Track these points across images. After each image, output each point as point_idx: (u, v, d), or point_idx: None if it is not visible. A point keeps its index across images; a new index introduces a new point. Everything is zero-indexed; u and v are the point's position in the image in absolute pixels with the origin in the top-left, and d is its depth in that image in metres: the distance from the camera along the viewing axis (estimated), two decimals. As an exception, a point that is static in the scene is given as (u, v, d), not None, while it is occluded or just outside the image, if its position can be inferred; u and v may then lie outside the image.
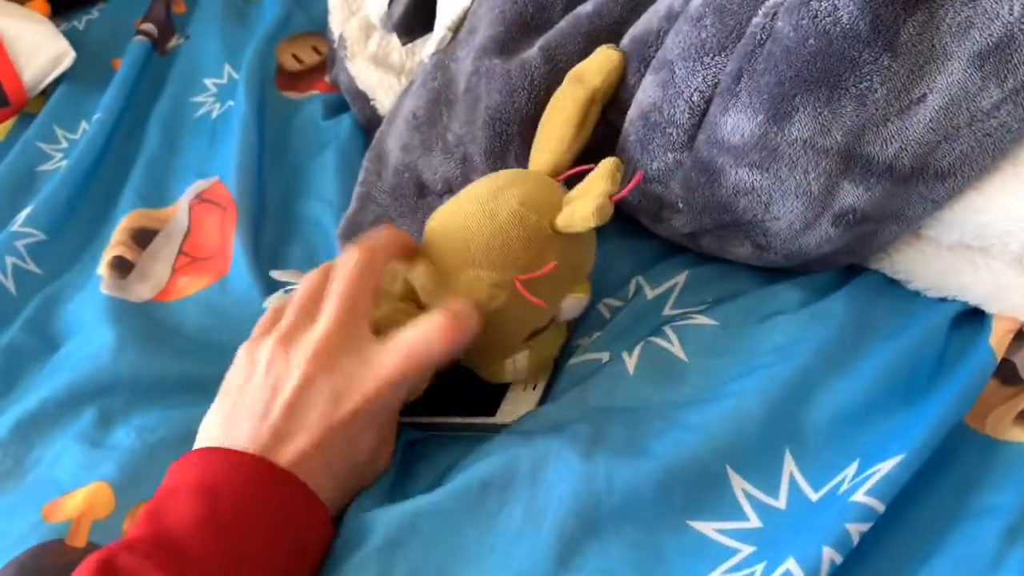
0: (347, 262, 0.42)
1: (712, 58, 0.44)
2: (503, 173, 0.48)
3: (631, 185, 0.43)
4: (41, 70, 0.87)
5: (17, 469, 0.49)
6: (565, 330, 0.50)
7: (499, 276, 0.43)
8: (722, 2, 0.44)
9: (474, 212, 0.44)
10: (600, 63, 0.49)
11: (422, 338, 0.41)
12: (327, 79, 0.81)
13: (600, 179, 0.43)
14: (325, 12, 0.89)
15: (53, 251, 0.67)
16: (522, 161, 0.53)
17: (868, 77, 0.39)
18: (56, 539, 0.44)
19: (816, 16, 0.39)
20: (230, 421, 0.40)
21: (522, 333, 0.46)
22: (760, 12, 0.42)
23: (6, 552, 0.44)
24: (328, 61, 0.82)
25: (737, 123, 0.43)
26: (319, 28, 0.89)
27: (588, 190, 0.43)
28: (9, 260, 0.64)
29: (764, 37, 0.41)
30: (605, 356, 0.48)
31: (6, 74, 0.85)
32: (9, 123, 0.85)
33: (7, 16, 0.90)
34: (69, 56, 0.88)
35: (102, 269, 0.63)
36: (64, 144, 0.82)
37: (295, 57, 0.85)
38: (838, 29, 0.38)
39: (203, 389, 0.51)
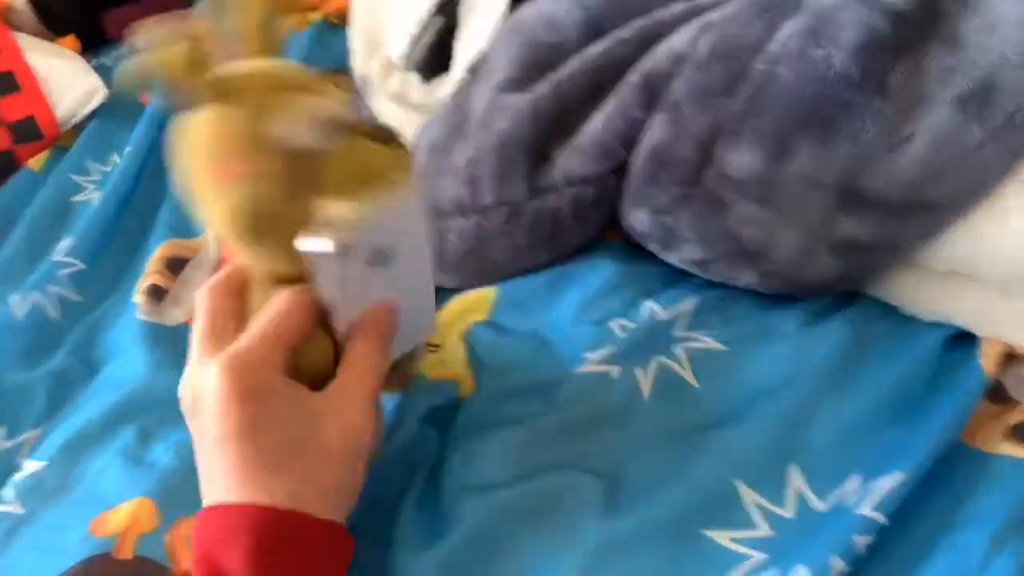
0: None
1: (718, 100, 0.48)
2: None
3: None
4: (74, 105, 0.91)
5: (64, 485, 0.52)
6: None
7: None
8: (727, 49, 0.47)
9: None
10: None
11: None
12: (348, 115, 0.85)
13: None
14: (346, 52, 0.93)
15: (92, 280, 0.71)
16: (526, 183, 0.57)
17: (860, 118, 0.42)
18: (104, 552, 0.46)
19: (813, 63, 0.43)
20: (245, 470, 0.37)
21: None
22: (762, 58, 0.45)
23: (57, 566, 0.46)
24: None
25: (741, 160, 0.46)
26: (342, 65, 0.93)
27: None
28: (53, 290, 0.68)
29: (766, 81, 0.45)
30: (616, 371, 0.51)
31: (40, 109, 0.90)
32: (43, 156, 0.88)
33: (40, 53, 0.94)
34: (101, 92, 0.92)
35: (137, 297, 0.66)
36: (96, 176, 0.85)
37: (317, 94, 0.89)
38: (832, 74, 0.42)
39: None
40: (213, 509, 0.37)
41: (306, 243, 0.37)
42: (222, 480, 0.37)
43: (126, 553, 0.46)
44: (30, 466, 0.54)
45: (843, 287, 0.53)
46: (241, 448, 0.36)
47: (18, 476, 0.54)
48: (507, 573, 0.42)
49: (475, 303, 0.60)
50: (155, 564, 0.46)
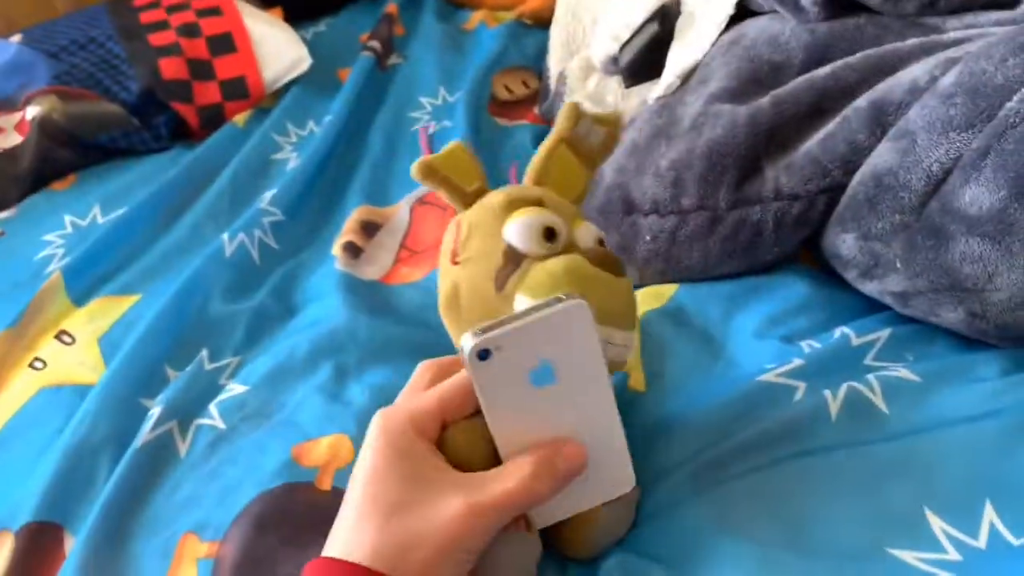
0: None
1: (959, 133, 0.47)
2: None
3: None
4: (280, 71, 0.98)
5: (264, 410, 0.56)
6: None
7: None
8: (976, 84, 0.47)
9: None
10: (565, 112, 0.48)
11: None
12: (536, 111, 0.89)
13: None
14: (537, 49, 0.97)
15: (290, 231, 0.76)
16: (732, 191, 0.58)
17: (1121, 168, 0.42)
18: (306, 481, 0.50)
19: (1077, 107, 0.42)
20: (361, 511, 0.37)
21: None
22: (1015, 98, 0.45)
23: (260, 482, 0.50)
24: (540, 94, 0.89)
25: (977, 195, 0.46)
26: (530, 63, 0.96)
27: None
28: (257, 233, 0.73)
29: (1018, 120, 0.45)
30: (801, 388, 0.51)
31: (251, 70, 0.96)
32: (247, 114, 0.95)
33: (256, 20, 1.01)
34: (306, 62, 0.98)
35: (336, 250, 0.71)
36: (294, 138, 0.91)
37: (507, 88, 0.93)
38: (1098, 121, 0.41)
39: (424, 352, 0.57)
40: (316, 562, 0.37)
41: (465, 337, 0.37)
42: (341, 518, 0.38)
43: (326, 484, 0.50)
44: (233, 388, 0.58)
45: (1054, 341, 0.51)
46: (365, 487, 0.37)
47: (222, 396, 0.58)
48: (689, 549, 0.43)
49: (654, 292, 0.62)
50: None
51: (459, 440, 0.40)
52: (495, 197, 0.44)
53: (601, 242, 0.44)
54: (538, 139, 0.85)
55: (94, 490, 0.54)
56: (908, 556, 0.42)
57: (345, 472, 0.51)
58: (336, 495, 0.49)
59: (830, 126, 0.56)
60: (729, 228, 0.58)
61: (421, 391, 0.42)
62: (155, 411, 0.57)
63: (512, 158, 0.83)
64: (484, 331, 0.36)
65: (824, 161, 0.55)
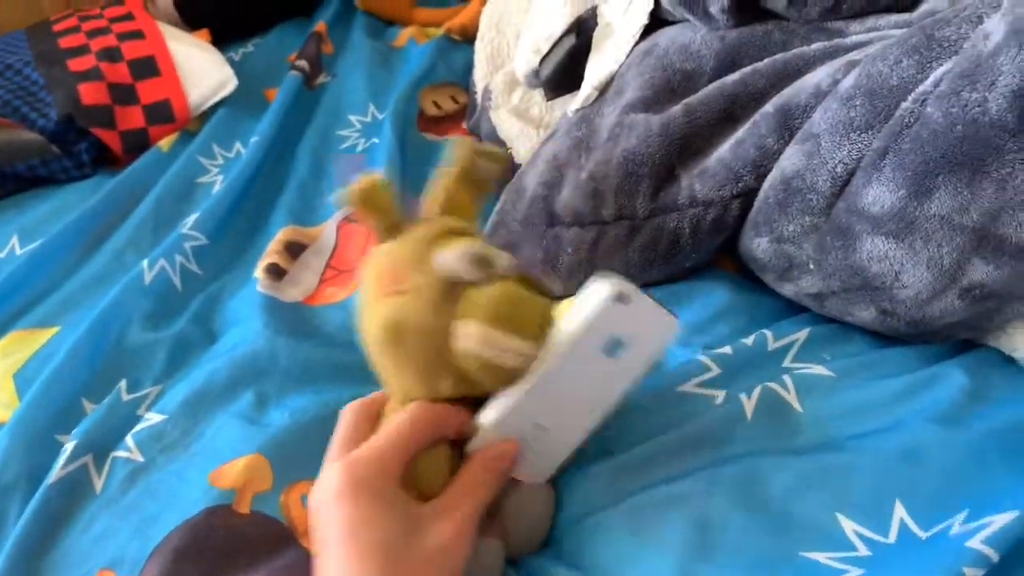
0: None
1: (859, 135, 0.48)
2: None
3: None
4: (205, 93, 0.96)
5: (183, 440, 0.55)
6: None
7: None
8: (873, 86, 0.48)
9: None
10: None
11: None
12: (465, 126, 0.88)
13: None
14: (465, 64, 0.97)
15: (213, 255, 0.74)
16: (649, 200, 0.58)
17: (1011, 164, 0.43)
18: (225, 504, 0.49)
19: (966, 106, 0.43)
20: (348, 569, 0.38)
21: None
22: (910, 98, 0.46)
23: (182, 510, 0.49)
24: (468, 110, 0.89)
25: (879, 195, 0.47)
26: (458, 79, 0.96)
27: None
28: (178, 259, 0.71)
29: (912, 120, 0.46)
30: (720, 395, 0.52)
31: (175, 94, 0.95)
32: (172, 138, 0.93)
33: (180, 42, 1.00)
34: (232, 83, 0.97)
35: (258, 272, 0.69)
36: (220, 161, 0.90)
37: (436, 104, 0.92)
38: (986, 119, 0.42)
39: (348, 375, 0.57)
40: None
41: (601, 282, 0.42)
42: None
43: (244, 508, 0.48)
44: (151, 418, 0.57)
45: (964, 334, 0.52)
46: (346, 545, 0.37)
47: (139, 427, 0.56)
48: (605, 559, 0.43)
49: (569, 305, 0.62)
50: (273, 520, 0.48)
51: (427, 471, 0.42)
52: (423, 229, 0.45)
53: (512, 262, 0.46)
54: (466, 154, 0.85)
55: (7, 531, 0.52)
56: (821, 556, 0.42)
57: (264, 497, 0.49)
58: (258, 518, 0.48)
59: (740, 132, 0.56)
60: (647, 237, 0.59)
61: (361, 434, 0.43)
62: (69, 446, 0.55)
63: (440, 173, 0.82)
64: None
65: (736, 167, 0.55)
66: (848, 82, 0.50)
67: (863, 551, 0.41)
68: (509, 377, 0.42)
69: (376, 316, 0.44)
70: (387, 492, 0.39)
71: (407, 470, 0.41)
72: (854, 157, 0.49)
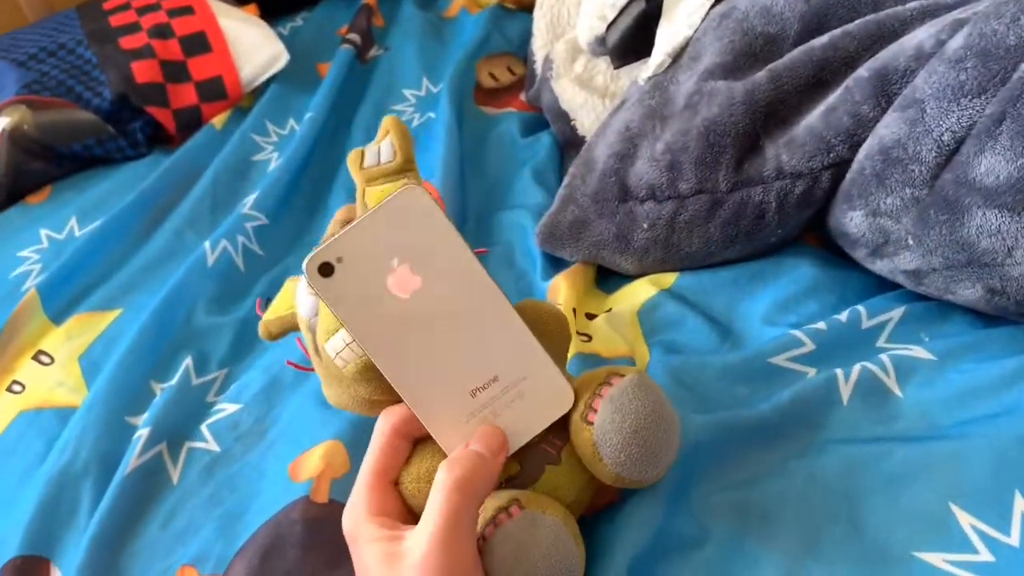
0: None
1: (970, 100, 0.45)
2: None
3: None
4: (257, 69, 0.95)
5: (258, 428, 0.54)
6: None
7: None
8: (987, 46, 0.45)
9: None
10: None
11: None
12: (522, 97, 0.86)
13: None
14: (521, 33, 0.94)
15: (274, 235, 0.73)
16: (731, 172, 0.55)
17: None
18: (303, 496, 0.47)
19: (1098, 65, 0.39)
20: None
21: None
22: (1031, 58, 0.43)
23: (265, 507, 0.48)
24: (526, 80, 0.86)
25: (993, 165, 0.44)
26: (515, 49, 0.93)
27: None
28: (240, 240, 0.70)
29: (1035, 82, 0.42)
30: (812, 372, 0.49)
31: (227, 70, 0.93)
32: (225, 115, 0.92)
33: (230, 17, 0.98)
34: (283, 58, 0.95)
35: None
36: (274, 138, 0.88)
37: (492, 75, 0.90)
38: (1122, 79, 0.39)
39: None
40: None
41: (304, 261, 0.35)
42: None
43: (322, 496, 0.47)
44: (226, 407, 0.56)
45: (1078, 313, 0.49)
46: None
47: (214, 417, 0.55)
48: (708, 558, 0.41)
49: (654, 279, 0.59)
50: None
51: (410, 489, 0.38)
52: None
53: None
54: (526, 127, 0.82)
55: (80, 520, 0.52)
56: (937, 559, 0.39)
57: (342, 482, 0.48)
58: (335, 508, 0.47)
59: (831, 99, 0.53)
60: (730, 211, 0.56)
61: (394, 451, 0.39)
62: (142, 433, 0.54)
63: (499, 146, 0.80)
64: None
65: (827, 136, 0.52)
66: (957, 42, 0.46)
67: (984, 555, 0.39)
68: None
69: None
70: (362, 533, 0.36)
71: (398, 493, 0.38)
72: (964, 124, 0.45)
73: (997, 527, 0.40)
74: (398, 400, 0.38)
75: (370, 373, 0.37)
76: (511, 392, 0.37)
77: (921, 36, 0.50)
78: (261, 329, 0.44)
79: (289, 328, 0.43)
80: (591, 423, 0.37)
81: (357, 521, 0.37)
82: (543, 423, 0.38)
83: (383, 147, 0.43)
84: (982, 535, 0.40)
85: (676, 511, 0.43)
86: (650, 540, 0.41)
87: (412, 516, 0.37)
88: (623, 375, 0.38)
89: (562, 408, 0.38)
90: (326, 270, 0.34)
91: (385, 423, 0.38)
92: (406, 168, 0.43)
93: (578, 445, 0.38)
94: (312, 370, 0.43)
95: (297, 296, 0.43)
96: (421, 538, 0.34)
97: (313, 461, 0.49)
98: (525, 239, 0.67)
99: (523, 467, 0.39)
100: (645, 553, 0.40)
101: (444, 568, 0.33)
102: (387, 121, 0.44)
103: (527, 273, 0.65)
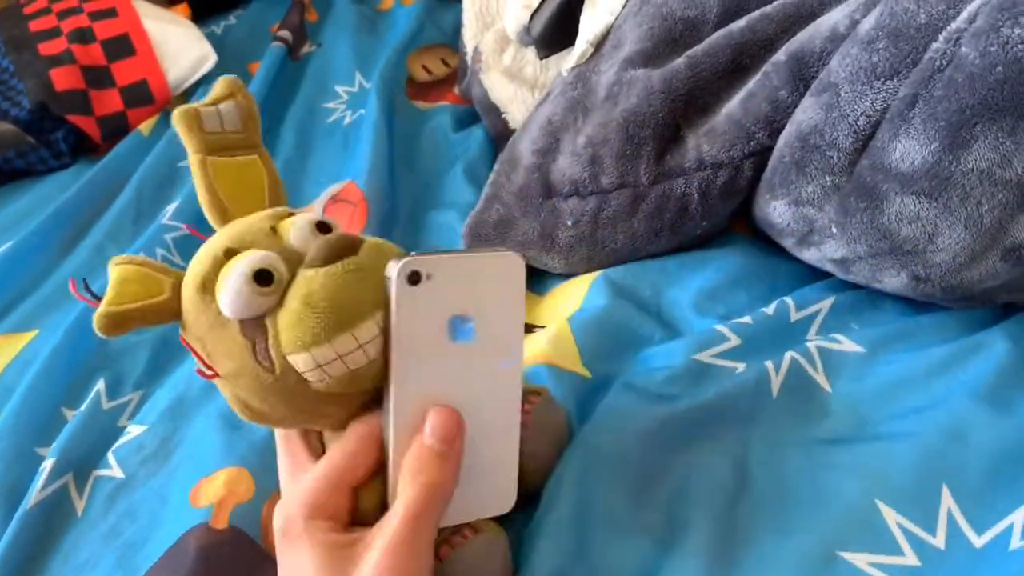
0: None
1: (883, 82, 0.43)
2: None
3: None
4: (185, 71, 0.92)
5: (163, 450, 0.51)
6: None
7: None
8: (898, 26, 0.43)
9: None
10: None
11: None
12: (456, 91, 0.83)
13: None
14: (455, 24, 0.91)
15: (196, 245, 0.69)
16: (653, 165, 0.53)
17: (1060, 107, 0.37)
18: (202, 523, 0.45)
19: (1007, 43, 0.38)
20: None
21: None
22: (941, 37, 0.41)
23: (165, 536, 0.46)
24: (459, 73, 0.83)
25: (908, 149, 0.42)
26: (449, 40, 0.91)
27: None
28: (159, 252, 0.67)
29: (945, 63, 0.40)
30: (741, 367, 0.47)
31: (153, 73, 0.90)
32: (152, 120, 0.89)
33: (155, 19, 0.94)
34: (211, 59, 0.92)
35: (243, 263, 0.65)
36: (203, 142, 0.85)
37: (425, 68, 0.87)
38: (1031, 56, 0.37)
39: None
40: None
41: (391, 264, 0.33)
42: None
43: (222, 522, 0.45)
44: (132, 430, 0.53)
45: (1006, 298, 0.47)
46: None
47: (121, 441, 0.53)
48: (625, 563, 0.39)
49: (580, 281, 0.57)
50: (247, 537, 0.44)
51: (369, 503, 0.36)
52: (188, 287, 0.35)
53: (321, 225, 0.36)
54: (460, 121, 0.80)
55: (-14, 555, 0.49)
56: (861, 561, 0.38)
57: (245, 508, 0.46)
58: (233, 534, 0.45)
59: (750, 84, 0.51)
60: (653, 205, 0.54)
61: (303, 464, 0.38)
62: (48, 464, 0.51)
63: (432, 142, 0.78)
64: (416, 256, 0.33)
65: (746, 123, 0.50)
66: (869, 22, 0.44)
67: (911, 559, 0.37)
68: (375, 366, 0.34)
69: (225, 393, 0.37)
70: (304, 539, 0.34)
71: (352, 502, 0.36)
72: (878, 108, 0.43)
73: (924, 526, 0.39)
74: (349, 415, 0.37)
75: (354, 387, 0.34)
76: (469, 471, 0.36)
77: (836, 17, 0.48)
78: (101, 323, 0.34)
79: (140, 323, 0.36)
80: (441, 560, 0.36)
81: (300, 518, 0.34)
82: (480, 514, 0.38)
83: (225, 111, 0.39)
84: (908, 535, 0.38)
85: (594, 518, 0.41)
86: (572, 546, 0.39)
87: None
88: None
89: (502, 509, 0.38)
90: (414, 278, 0.33)
91: (362, 427, 0.36)
92: (254, 143, 0.40)
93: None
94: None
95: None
96: (383, 540, 0.33)
97: (215, 487, 0.47)
98: (455, 241, 0.65)
99: None
100: (567, 562, 0.39)
101: (403, 573, 0.32)
102: (227, 83, 0.39)
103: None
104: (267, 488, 0.47)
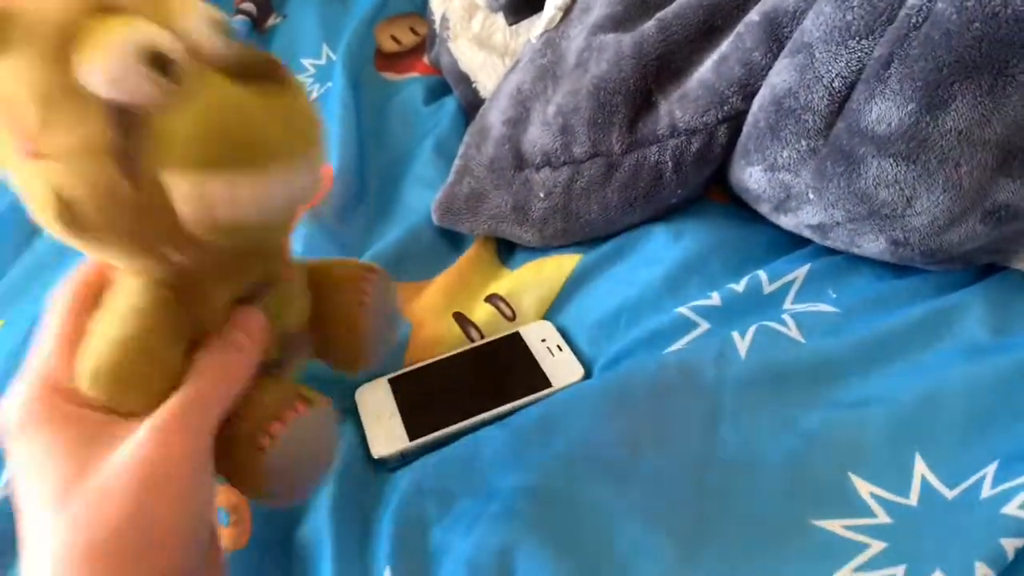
0: None
1: (858, 42, 0.41)
2: None
3: None
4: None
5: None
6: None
7: None
8: (872, -18, 0.41)
9: None
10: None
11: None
12: (426, 60, 0.81)
13: None
14: (423, -8, 0.88)
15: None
16: (625, 133, 0.52)
17: (1039, 64, 0.36)
18: None
19: (983, -2, 0.36)
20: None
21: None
22: (917, -7, 0.39)
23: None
24: (428, 41, 0.81)
25: (884, 111, 0.41)
26: (418, 8, 0.88)
27: None
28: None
29: (921, 20, 0.39)
30: (709, 332, 0.47)
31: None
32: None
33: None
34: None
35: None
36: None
37: (394, 38, 0.85)
38: (1009, 11, 0.36)
39: None
40: None
41: None
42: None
43: None
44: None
45: (985, 260, 0.47)
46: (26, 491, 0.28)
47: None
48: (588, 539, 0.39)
49: (555, 267, 0.56)
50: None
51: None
52: (35, 22, 0.25)
53: (220, 26, 0.27)
54: (431, 92, 0.77)
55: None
56: (835, 526, 0.37)
57: None
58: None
59: (723, 47, 0.49)
60: (627, 174, 0.52)
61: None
62: (12, 459, 0.50)
63: (401, 115, 0.75)
64: None
65: (720, 88, 0.49)
66: (843, -21, 0.43)
67: (883, 518, 0.37)
68: (280, 221, 0.29)
69: (29, 187, 0.27)
70: (55, 414, 0.29)
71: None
72: (853, 68, 0.42)
73: (896, 491, 0.38)
74: None
75: (231, 244, 0.28)
76: None
77: (810, -27, 0.46)
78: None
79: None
80: (262, 450, 0.30)
81: (37, 399, 0.29)
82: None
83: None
84: (880, 500, 0.38)
85: (557, 495, 0.40)
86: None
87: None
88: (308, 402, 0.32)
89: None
90: None
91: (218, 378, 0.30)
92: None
93: (243, 463, 0.31)
94: None
95: None
96: (153, 418, 0.28)
97: None
98: (427, 221, 0.63)
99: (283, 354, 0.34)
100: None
101: (178, 458, 0.27)
102: None
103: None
104: None
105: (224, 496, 0.44)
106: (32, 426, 0.29)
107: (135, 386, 0.29)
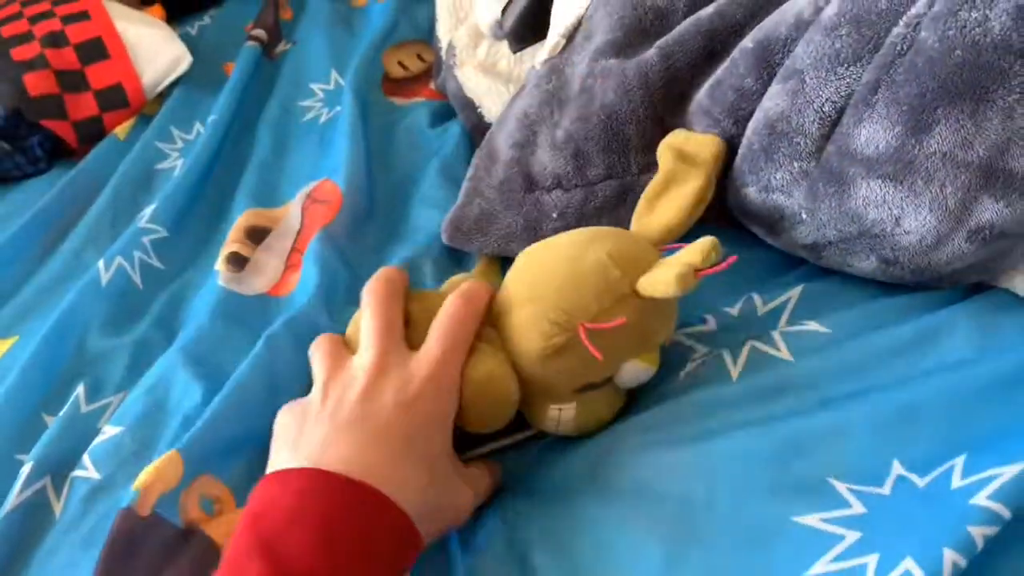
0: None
1: (847, 68, 0.43)
2: (607, 229, 0.47)
3: (722, 266, 0.41)
4: (159, 73, 0.91)
5: (143, 452, 0.51)
6: (622, 396, 0.48)
7: (563, 317, 0.42)
8: (859, 12, 0.43)
9: (561, 253, 0.45)
10: (711, 145, 0.50)
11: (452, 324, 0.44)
12: (432, 86, 0.83)
13: (691, 251, 0.41)
14: (430, 20, 0.91)
15: (174, 247, 0.70)
16: (641, 157, 0.53)
17: (1018, 90, 0.38)
18: (127, 506, 0.45)
19: (964, 26, 0.38)
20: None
21: (573, 383, 0.44)
22: (901, 22, 0.41)
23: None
24: (434, 68, 0.83)
25: (872, 134, 0.42)
26: (424, 36, 0.91)
27: (677, 259, 0.41)
28: (136, 255, 0.67)
29: (905, 48, 0.41)
30: (703, 352, 0.49)
31: (127, 76, 0.89)
32: (128, 124, 0.88)
33: (128, 21, 0.94)
34: (186, 60, 0.92)
35: (219, 264, 0.65)
36: (180, 144, 0.85)
37: (400, 64, 0.87)
38: (988, 40, 0.37)
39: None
40: (285, 473, 0.40)
41: None
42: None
43: (145, 509, 0.45)
44: (108, 431, 0.53)
45: (973, 278, 0.48)
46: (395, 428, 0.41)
47: (96, 441, 0.53)
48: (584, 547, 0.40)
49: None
50: (168, 524, 0.45)
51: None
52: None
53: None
54: (437, 116, 0.80)
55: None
56: (814, 519, 0.38)
57: (168, 497, 0.46)
58: (153, 521, 0.45)
59: (718, 72, 0.51)
60: (640, 194, 0.54)
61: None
62: (26, 468, 0.52)
63: (408, 138, 0.78)
64: None
65: (714, 112, 0.51)
66: (832, 8, 0.45)
67: (857, 508, 0.38)
68: None
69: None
70: (394, 358, 0.44)
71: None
72: (842, 94, 0.44)
73: (871, 484, 0.39)
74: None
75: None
76: None
77: (801, 3, 0.48)
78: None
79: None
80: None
81: (389, 351, 0.43)
82: None
83: None
84: (856, 493, 0.39)
85: (555, 498, 0.42)
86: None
87: None
88: None
89: None
90: None
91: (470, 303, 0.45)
92: None
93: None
94: None
95: None
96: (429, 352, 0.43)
97: (147, 471, 0.47)
98: (432, 236, 0.65)
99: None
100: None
101: (448, 386, 0.42)
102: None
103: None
104: (192, 474, 0.48)
105: (207, 486, 0.47)
106: (383, 369, 0.43)
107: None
